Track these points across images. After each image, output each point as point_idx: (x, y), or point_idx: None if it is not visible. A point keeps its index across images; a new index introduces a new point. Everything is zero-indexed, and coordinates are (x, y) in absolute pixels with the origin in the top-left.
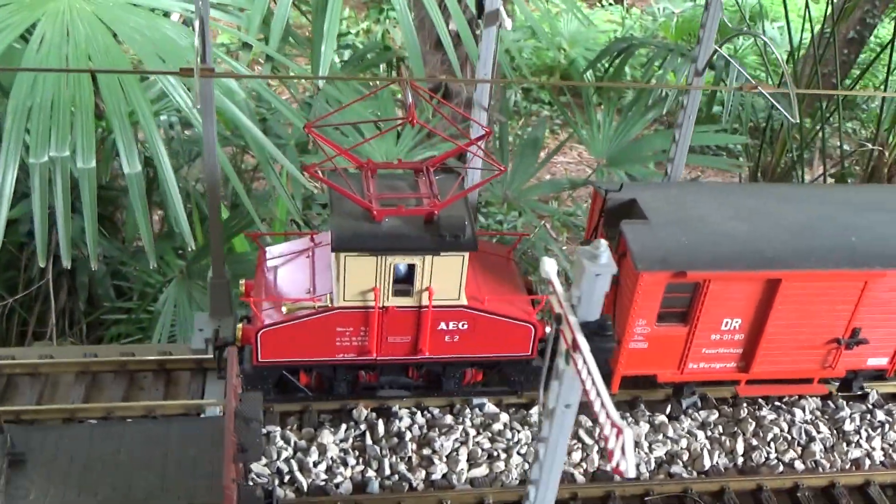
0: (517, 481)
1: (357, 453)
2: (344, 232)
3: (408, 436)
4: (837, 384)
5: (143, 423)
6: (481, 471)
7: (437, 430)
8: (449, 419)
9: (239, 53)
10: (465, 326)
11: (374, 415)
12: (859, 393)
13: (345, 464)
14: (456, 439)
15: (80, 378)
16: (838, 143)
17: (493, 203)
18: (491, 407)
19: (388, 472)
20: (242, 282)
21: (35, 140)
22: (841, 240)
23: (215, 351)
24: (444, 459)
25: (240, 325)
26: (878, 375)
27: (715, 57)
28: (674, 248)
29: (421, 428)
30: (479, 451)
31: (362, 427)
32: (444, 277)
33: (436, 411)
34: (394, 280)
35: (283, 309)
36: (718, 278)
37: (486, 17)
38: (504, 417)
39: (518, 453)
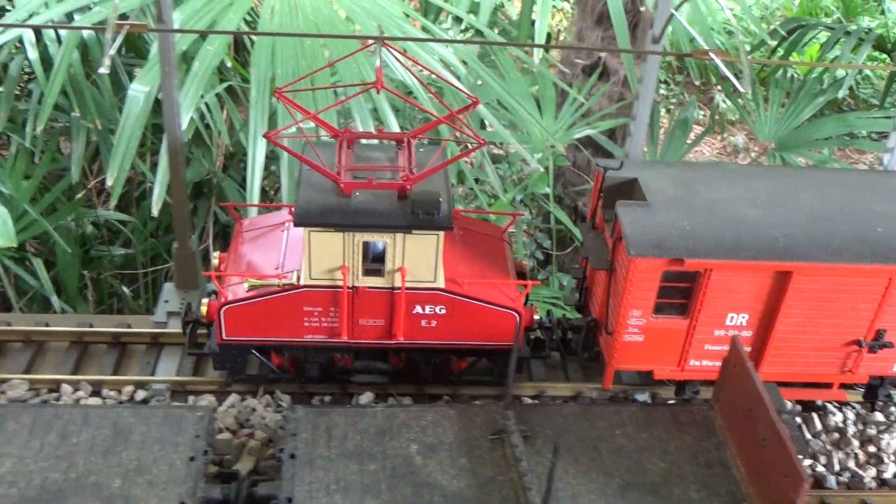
0: None
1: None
2: (308, 205)
3: (849, 431)
4: (862, 391)
5: (627, 405)
6: None
7: (874, 427)
8: (879, 416)
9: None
10: (444, 311)
11: (798, 407)
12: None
13: None
14: None
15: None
16: None
17: None
18: None
19: (837, 467)
20: (216, 254)
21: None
22: (864, 230)
23: (184, 327)
24: (893, 458)
25: (205, 301)
26: None
27: None
28: (671, 233)
29: (855, 424)
30: None
31: (797, 420)
32: (418, 257)
33: (858, 407)
34: (365, 259)
35: (245, 285)
36: (721, 268)
37: None
38: None
39: None
